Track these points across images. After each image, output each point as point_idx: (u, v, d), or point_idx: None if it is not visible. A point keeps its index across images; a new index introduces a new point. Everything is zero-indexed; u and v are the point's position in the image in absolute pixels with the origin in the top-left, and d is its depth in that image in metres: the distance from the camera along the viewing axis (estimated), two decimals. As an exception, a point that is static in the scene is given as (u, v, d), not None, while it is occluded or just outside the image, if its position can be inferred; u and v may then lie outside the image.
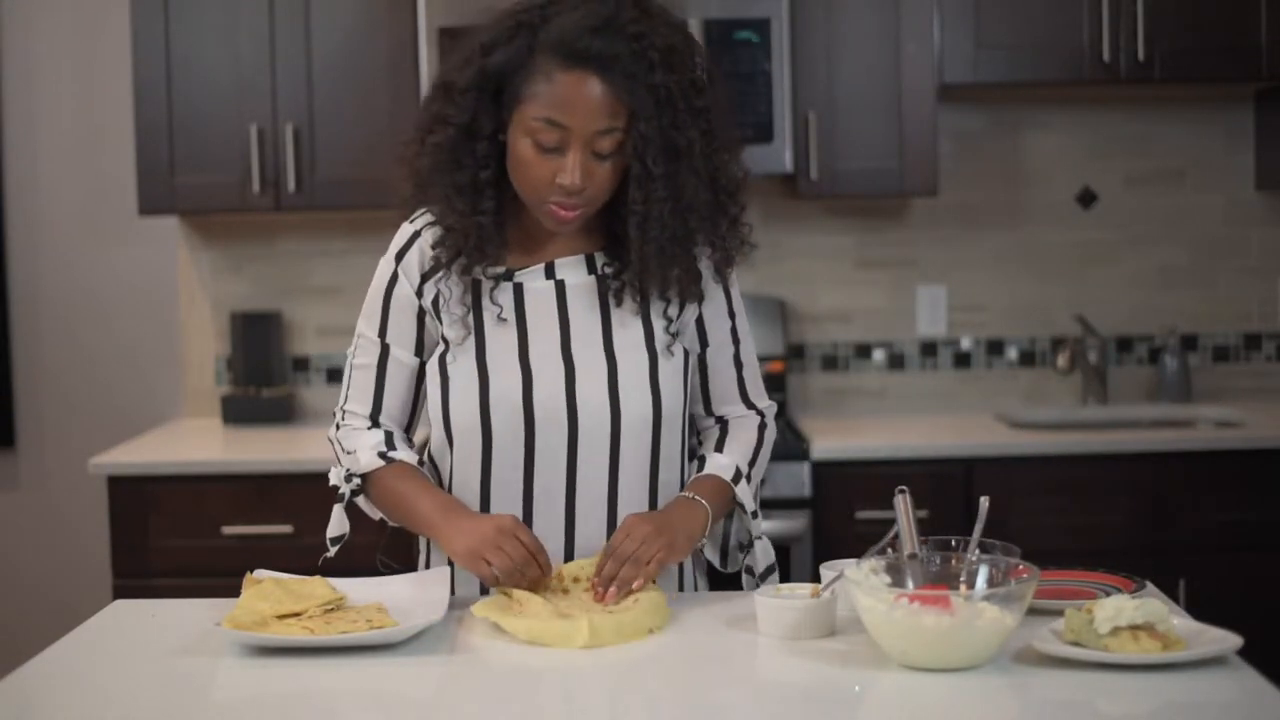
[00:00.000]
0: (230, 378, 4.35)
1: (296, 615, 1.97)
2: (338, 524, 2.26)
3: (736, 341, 2.26)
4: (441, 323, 2.17)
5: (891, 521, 1.99)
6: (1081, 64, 3.96)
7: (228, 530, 3.74)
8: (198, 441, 4.07)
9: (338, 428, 2.26)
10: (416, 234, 2.19)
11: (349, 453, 2.23)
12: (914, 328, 4.38)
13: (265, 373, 4.27)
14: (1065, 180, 4.37)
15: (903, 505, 1.98)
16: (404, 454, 2.20)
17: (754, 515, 2.22)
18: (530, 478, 2.15)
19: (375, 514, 2.25)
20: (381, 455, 2.19)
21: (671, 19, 2.09)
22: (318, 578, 2.09)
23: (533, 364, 2.14)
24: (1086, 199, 4.37)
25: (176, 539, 3.75)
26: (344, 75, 3.99)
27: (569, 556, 2.16)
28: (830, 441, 3.79)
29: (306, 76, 3.98)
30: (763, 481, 2.33)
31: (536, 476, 2.15)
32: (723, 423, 2.29)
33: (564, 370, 2.14)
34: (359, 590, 2.09)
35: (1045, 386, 4.39)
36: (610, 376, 2.14)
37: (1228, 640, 1.79)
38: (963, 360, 4.39)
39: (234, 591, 2.05)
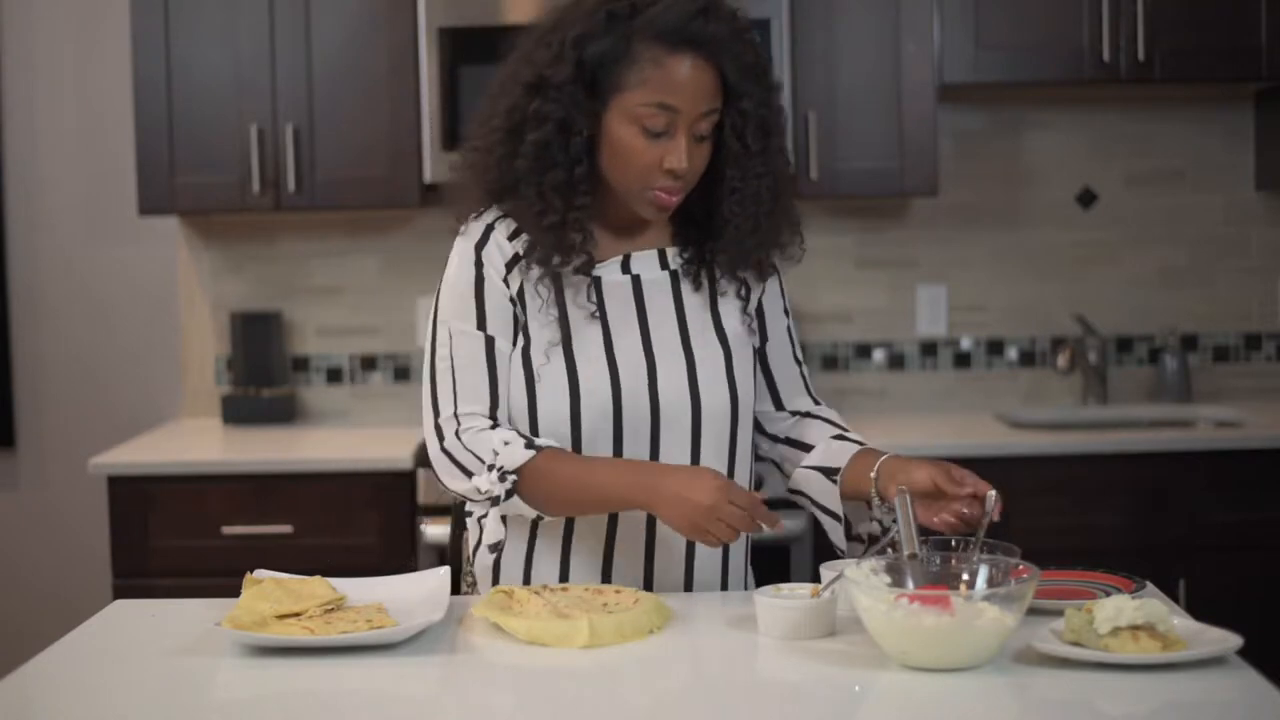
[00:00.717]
0: (230, 378, 4.35)
1: (296, 615, 1.97)
2: (495, 530, 2.15)
3: (793, 340, 2.33)
4: (526, 316, 2.15)
5: (892, 522, 1.99)
6: (1081, 64, 3.96)
7: (228, 530, 3.74)
8: (198, 441, 4.07)
9: (456, 435, 2.11)
10: (490, 226, 2.17)
11: (481, 456, 2.10)
12: (914, 328, 4.38)
13: (265, 373, 4.27)
14: (1065, 180, 4.37)
15: (903, 505, 1.98)
16: (546, 439, 2.12)
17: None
18: None
19: (531, 512, 2.12)
20: (529, 445, 2.08)
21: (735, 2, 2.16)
22: (318, 578, 2.09)
23: (618, 359, 2.14)
24: (1086, 199, 4.37)
25: (176, 539, 3.75)
26: (344, 75, 3.99)
27: (650, 553, 2.17)
28: (830, 441, 3.79)
29: (306, 76, 3.98)
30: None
31: None
32: (813, 416, 2.32)
33: (645, 365, 2.15)
34: (359, 590, 2.09)
35: (1045, 386, 4.39)
36: (689, 370, 2.16)
37: (1228, 640, 1.79)
38: (963, 360, 4.39)
39: (234, 591, 2.05)
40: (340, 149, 3.99)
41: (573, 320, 2.15)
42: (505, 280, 2.15)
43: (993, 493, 2.00)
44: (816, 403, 2.35)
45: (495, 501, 2.10)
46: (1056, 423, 4.21)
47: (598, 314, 2.16)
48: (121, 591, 3.60)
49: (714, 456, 2.18)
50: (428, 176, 3.94)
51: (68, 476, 4.37)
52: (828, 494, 2.21)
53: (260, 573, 2.10)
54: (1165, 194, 4.37)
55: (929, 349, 4.39)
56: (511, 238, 2.16)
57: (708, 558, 2.21)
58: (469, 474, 2.10)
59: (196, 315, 4.38)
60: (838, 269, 4.36)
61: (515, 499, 2.09)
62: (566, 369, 2.13)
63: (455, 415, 2.13)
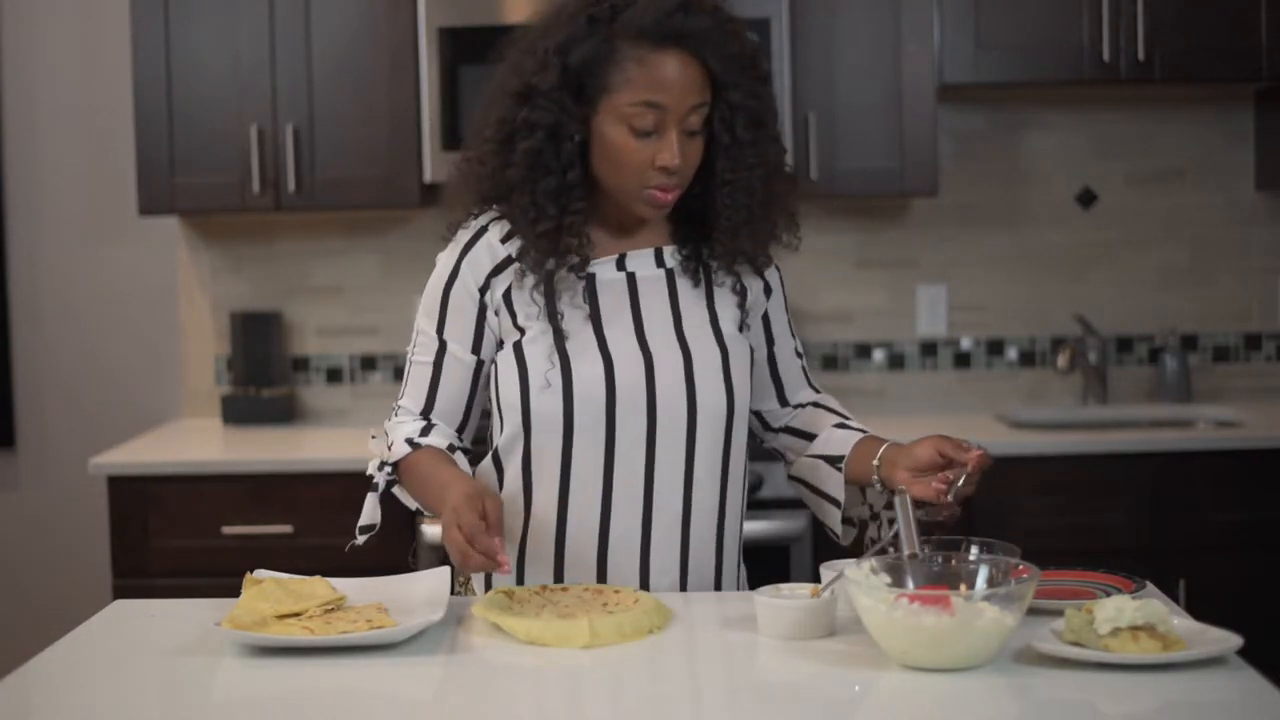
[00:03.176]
0: (230, 378, 4.35)
1: (296, 615, 1.97)
2: (370, 513, 2.25)
3: (794, 335, 2.36)
4: (515, 316, 2.17)
5: (891, 522, 1.99)
6: (1081, 64, 3.96)
7: (228, 530, 3.74)
8: (198, 441, 4.07)
9: (385, 424, 2.27)
10: (483, 229, 2.19)
11: (389, 445, 2.23)
12: (914, 328, 4.38)
13: (265, 373, 4.27)
14: (1065, 180, 4.37)
15: (903, 505, 1.98)
16: (435, 439, 2.19)
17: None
18: (610, 468, 2.15)
19: (412, 503, 2.25)
20: (409, 442, 2.19)
21: None
22: (318, 578, 2.09)
23: (613, 354, 2.15)
24: (1086, 199, 4.37)
25: (176, 539, 3.75)
26: (344, 75, 3.99)
27: (645, 546, 2.17)
28: (830, 441, 3.79)
29: (306, 76, 3.99)
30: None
31: (616, 467, 2.15)
32: (815, 405, 2.35)
33: (642, 359, 2.15)
34: (359, 590, 2.09)
35: (1045, 386, 4.39)
36: (686, 366, 2.16)
37: (1228, 640, 1.79)
38: (963, 360, 4.39)
39: (234, 591, 2.05)
40: (340, 149, 3.99)
41: (565, 317, 2.16)
42: (487, 284, 2.17)
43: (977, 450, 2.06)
44: (816, 391, 2.38)
45: (376, 488, 2.22)
46: (1056, 423, 4.21)
47: (590, 310, 2.16)
48: (121, 591, 3.60)
49: (709, 454, 2.18)
50: (427, 176, 3.95)
51: (68, 476, 4.37)
52: (831, 480, 2.24)
53: (260, 573, 2.10)
54: (1165, 194, 4.37)
55: (929, 349, 4.39)
56: (505, 239, 2.17)
57: (702, 560, 2.20)
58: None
59: (196, 315, 4.38)
60: (838, 269, 4.36)
61: (399, 489, 2.24)
62: (560, 365, 2.14)
63: (396, 405, 2.25)
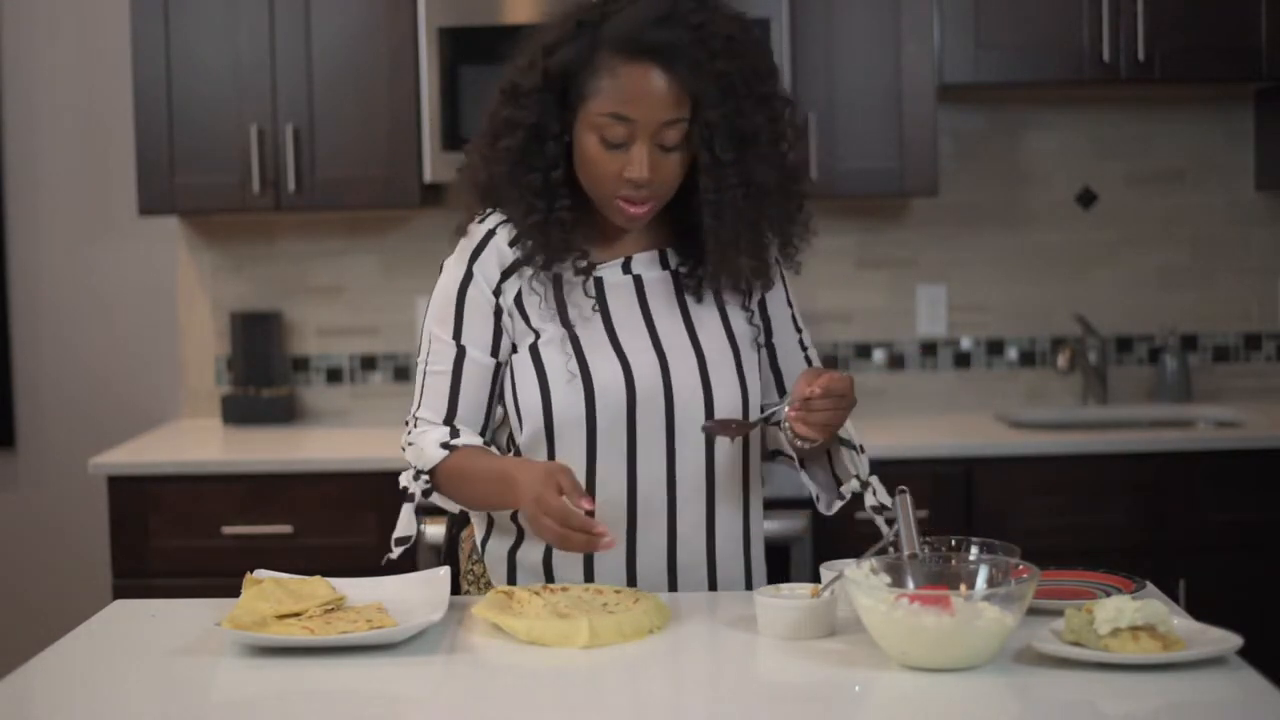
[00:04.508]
0: (230, 378, 4.35)
1: (296, 615, 1.97)
2: (405, 524, 2.19)
3: (799, 329, 2.32)
4: (529, 319, 2.16)
5: (891, 521, 1.99)
6: (1081, 64, 3.96)
7: (228, 530, 3.74)
8: (198, 441, 4.07)
9: (407, 436, 2.20)
10: (491, 232, 2.18)
11: (415, 456, 2.18)
12: (914, 328, 4.38)
13: (265, 373, 4.27)
14: (1065, 180, 4.37)
15: (903, 505, 1.98)
16: (467, 439, 2.16)
17: (860, 450, 2.24)
18: (634, 466, 2.15)
19: (454, 506, 2.20)
20: (445, 445, 2.15)
21: (730, 9, 2.13)
22: (318, 578, 2.09)
23: (629, 355, 2.15)
24: (1086, 199, 4.37)
25: (176, 539, 3.75)
26: (344, 75, 3.99)
27: (672, 543, 2.17)
28: (830, 441, 3.79)
29: (306, 76, 3.98)
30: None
31: (639, 464, 2.15)
32: None
33: (657, 359, 2.15)
34: (359, 590, 2.09)
35: (1045, 386, 4.39)
36: (700, 363, 2.16)
37: (1228, 640, 1.79)
38: (963, 360, 4.39)
39: (234, 591, 2.05)
40: (340, 149, 3.99)
41: (577, 321, 2.16)
42: (499, 288, 2.17)
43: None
44: None
45: (411, 498, 2.17)
46: (1056, 423, 4.21)
47: (600, 312, 2.16)
48: (121, 591, 3.60)
49: (725, 451, 2.18)
50: (428, 176, 3.95)
51: (68, 476, 4.37)
52: (774, 436, 2.25)
53: (260, 573, 2.10)
54: (1165, 194, 4.37)
55: (929, 349, 4.39)
56: (513, 243, 2.16)
57: (730, 558, 2.20)
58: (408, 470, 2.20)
59: (196, 315, 4.38)
60: (838, 269, 4.35)
61: (436, 495, 2.17)
62: (579, 368, 2.14)
63: (415, 416, 2.20)
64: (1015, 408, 4.33)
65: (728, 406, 2.17)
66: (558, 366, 2.14)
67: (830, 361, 4.37)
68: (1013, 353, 4.39)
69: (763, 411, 2.19)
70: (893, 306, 4.37)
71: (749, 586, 2.24)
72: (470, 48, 3.88)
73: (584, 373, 2.13)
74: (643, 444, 2.15)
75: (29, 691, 1.83)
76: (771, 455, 2.31)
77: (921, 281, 4.37)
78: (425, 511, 2.21)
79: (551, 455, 2.16)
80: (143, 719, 1.75)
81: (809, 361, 2.32)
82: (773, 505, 3.69)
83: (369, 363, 4.38)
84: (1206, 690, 1.70)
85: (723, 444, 2.17)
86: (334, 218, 4.33)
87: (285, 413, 4.28)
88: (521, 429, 2.18)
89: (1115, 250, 4.37)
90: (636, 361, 2.15)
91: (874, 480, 2.22)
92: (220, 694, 1.82)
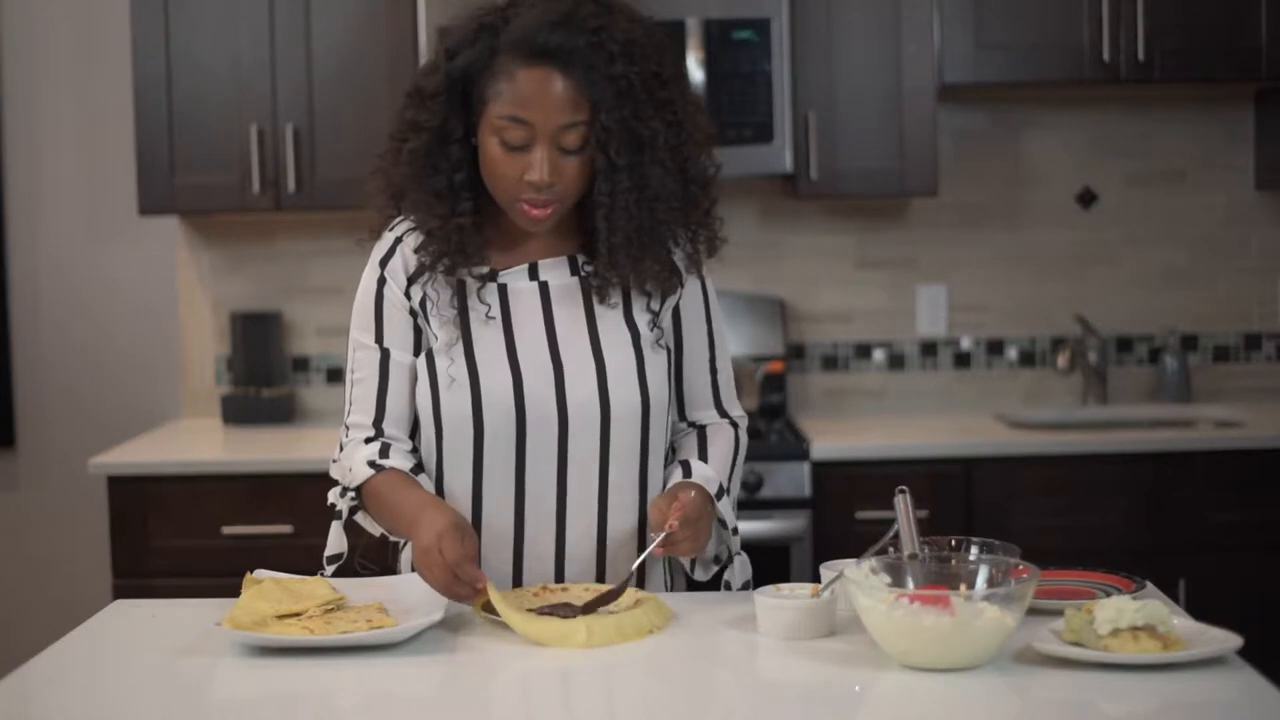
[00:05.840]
0: (230, 378, 4.35)
1: (296, 615, 1.97)
2: (335, 542, 2.22)
3: (712, 346, 2.27)
4: (430, 324, 2.18)
5: (891, 521, 1.99)
6: (1081, 64, 3.96)
7: (228, 530, 3.74)
8: (198, 441, 4.07)
9: (341, 447, 2.22)
10: (398, 239, 2.21)
11: (343, 471, 2.20)
12: (914, 328, 4.38)
13: (265, 373, 4.27)
14: (1065, 180, 4.37)
15: (903, 505, 1.98)
16: (396, 461, 2.17)
17: (734, 532, 2.20)
18: (521, 474, 2.15)
19: (376, 529, 2.22)
20: (371, 464, 2.16)
21: (633, 14, 2.11)
22: (318, 578, 2.10)
23: (521, 362, 2.15)
24: (1086, 199, 4.37)
25: (176, 539, 3.75)
26: (344, 75, 3.99)
27: (560, 553, 2.17)
28: (830, 441, 3.79)
29: (306, 76, 3.99)
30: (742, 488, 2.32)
31: (528, 472, 2.15)
32: (700, 430, 2.28)
33: (552, 369, 2.15)
34: (359, 590, 2.09)
35: (1045, 386, 4.39)
36: (599, 373, 2.15)
37: (1228, 640, 1.79)
38: (963, 360, 4.39)
39: (234, 591, 2.05)
40: (340, 149, 3.98)
41: (474, 325, 2.16)
42: (408, 292, 2.18)
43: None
44: (724, 414, 2.29)
45: (339, 515, 2.18)
46: (1056, 423, 4.21)
47: (494, 316, 2.16)
48: (121, 591, 3.60)
49: (624, 458, 2.17)
50: (428, 176, 3.94)
51: (68, 476, 4.36)
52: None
53: (260, 573, 2.10)
54: (1165, 194, 4.37)
55: (929, 349, 4.39)
56: (418, 249, 2.17)
57: (622, 564, 2.18)
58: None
59: (196, 315, 4.38)
60: (838, 269, 4.36)
61: (362, 515, 2.19)
62: (468, 372, 2.14)
63: (345, 425, 2.22)
64: (1015, 408, 4.33)
65: (626, 417, 2.15)
66: (449, 373, 2.15)
67: (830, 361, 4.38)
68: (1013, 353, 4.39)
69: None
70: (893, 306, 4.37)
71: (641, 587, 2.20)
72: (470, 48, 3.88)
73: (473, 381, 2.13)
74: (532, 454, 2.14)
75: (29, 691, 1.83)
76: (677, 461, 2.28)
77: (921, 281, 4.37)
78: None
79: (440, 459, 2.17)
80: (143, 719, 1.75)
81: (715, 388, 2.28)
82: (773, 505, 3.72)
83: (369, 363, 4.38)
84: (1206, 690, 1.70)
85: (619, 449, 2.15)
86: (334, 218, 4.32)
87: (285, 413, 4.27)
88: (419, 430, 2.21)
89: (1115, 250, 4.37)
90: (529, 370, 2.14)
91: (739, 559, 2.22)
92: (220, 694, 1.82)
